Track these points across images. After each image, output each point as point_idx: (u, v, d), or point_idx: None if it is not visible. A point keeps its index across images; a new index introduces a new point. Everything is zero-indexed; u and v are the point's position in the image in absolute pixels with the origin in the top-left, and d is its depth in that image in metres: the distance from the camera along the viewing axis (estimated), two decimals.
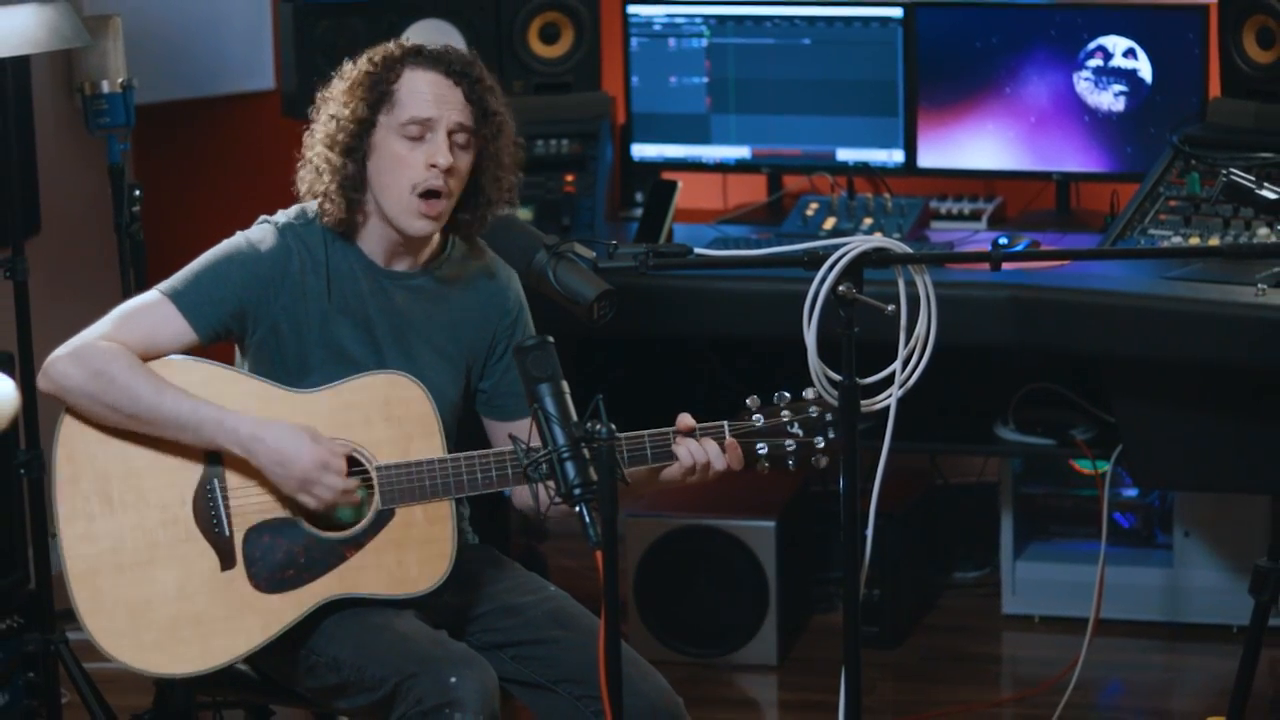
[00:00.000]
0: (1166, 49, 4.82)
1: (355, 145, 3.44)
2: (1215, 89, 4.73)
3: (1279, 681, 4.84)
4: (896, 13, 4.98)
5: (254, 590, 3.38)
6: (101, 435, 3.40)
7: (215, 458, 3.41)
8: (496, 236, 3.40)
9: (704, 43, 5.12)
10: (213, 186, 5.79)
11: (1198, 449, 4.44)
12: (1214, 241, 4.43)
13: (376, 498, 3.40)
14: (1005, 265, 3.37)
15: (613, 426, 2.96)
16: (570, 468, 2.98)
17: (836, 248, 3.15)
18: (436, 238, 3.56)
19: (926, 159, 5.03)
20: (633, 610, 5.00)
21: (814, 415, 3.43)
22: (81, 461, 3.39)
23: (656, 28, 5.14)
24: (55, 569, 3.89)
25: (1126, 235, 4.55)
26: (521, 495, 3.48)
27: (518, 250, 3.32)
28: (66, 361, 3.37)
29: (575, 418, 3.00)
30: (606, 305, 3.23)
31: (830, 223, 4.88)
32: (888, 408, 3.18)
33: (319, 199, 3.48)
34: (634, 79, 5.17)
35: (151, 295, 3.45)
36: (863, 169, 5.06)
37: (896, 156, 5.04)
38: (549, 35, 5.10)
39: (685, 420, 3.43)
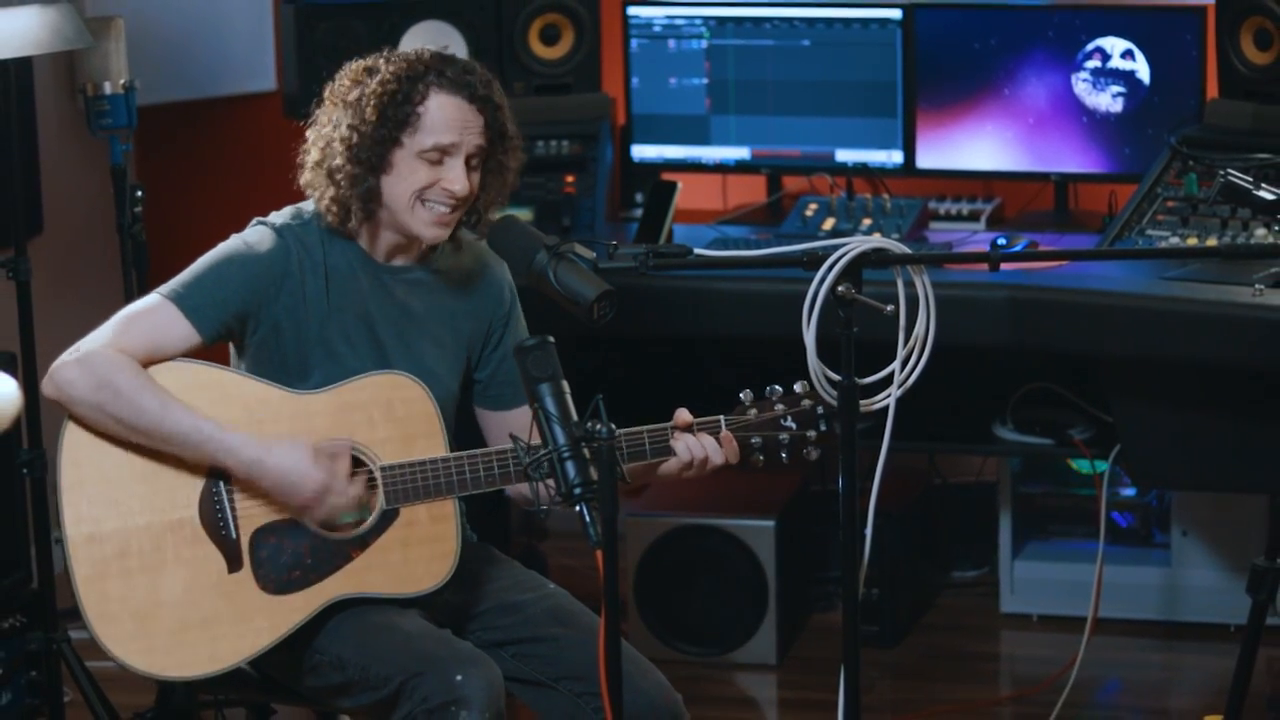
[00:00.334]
0: (1164, 50, 4.83)
1: (376, 162, 3.44)
2: (1213, 90, 4.74)
3: (1276, 680, 4.84)
4: (895, 14, 4.99)
5: (261, 592, 3.39)
6: (107, 440, 3.39)
7: None
8: (497, 237, 3.41)
9: (704, 44, 5.13)
10: (214, 187, 5.80)
11: (1195, 449, 4.45)
12: (1211, 242, 4.44)
13: (381, 498, 3.42)
14: (1004, 266, 3.37)
15: (613, 426, 2.97)
16: (570, 467, 2.99)
17: (836, 248, 3.15)
18: None
19: (925, 160, 5.04)
20: (633, 609, 5.01)
21: (806, 408, 3.46)
22: (87, 467, 3.39)
23: (656, 29, 5.15)
24: (58, 568, 3.90)
25: (1124, 236, 4.56)
26: (518, 488, 3.49)
27: (518, 251, 3.32)
28: (73, 369, 3.36)
29: (575, 417, 3.01)
30: (607, 305, 3.24)
31: (829, 223, 4.89)
32: (887, 407, 3.19)
33: (326, 203, 3.48)
34: (634, 80, 5.18)
35: (153, 299, 3.44)
36: (862, 170, 5.07)
37: (895, 157, 5.05)
38: (549, 36, 5.11)
39: (683, 415, 3.45)
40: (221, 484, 3.41)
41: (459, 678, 3.27)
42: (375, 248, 3.53)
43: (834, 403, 3.19)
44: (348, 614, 3.42)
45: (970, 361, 4.59)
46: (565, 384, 3.04)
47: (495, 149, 3.48)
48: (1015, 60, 4.94)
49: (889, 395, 3.20)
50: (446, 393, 3.52)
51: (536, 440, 3.03)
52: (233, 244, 3.50)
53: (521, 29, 5.08)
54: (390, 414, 3.43)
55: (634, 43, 5.16)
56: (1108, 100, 4.89)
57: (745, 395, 3.47)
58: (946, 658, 5.07)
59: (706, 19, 5.12)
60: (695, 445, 3.43)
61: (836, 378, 3.18)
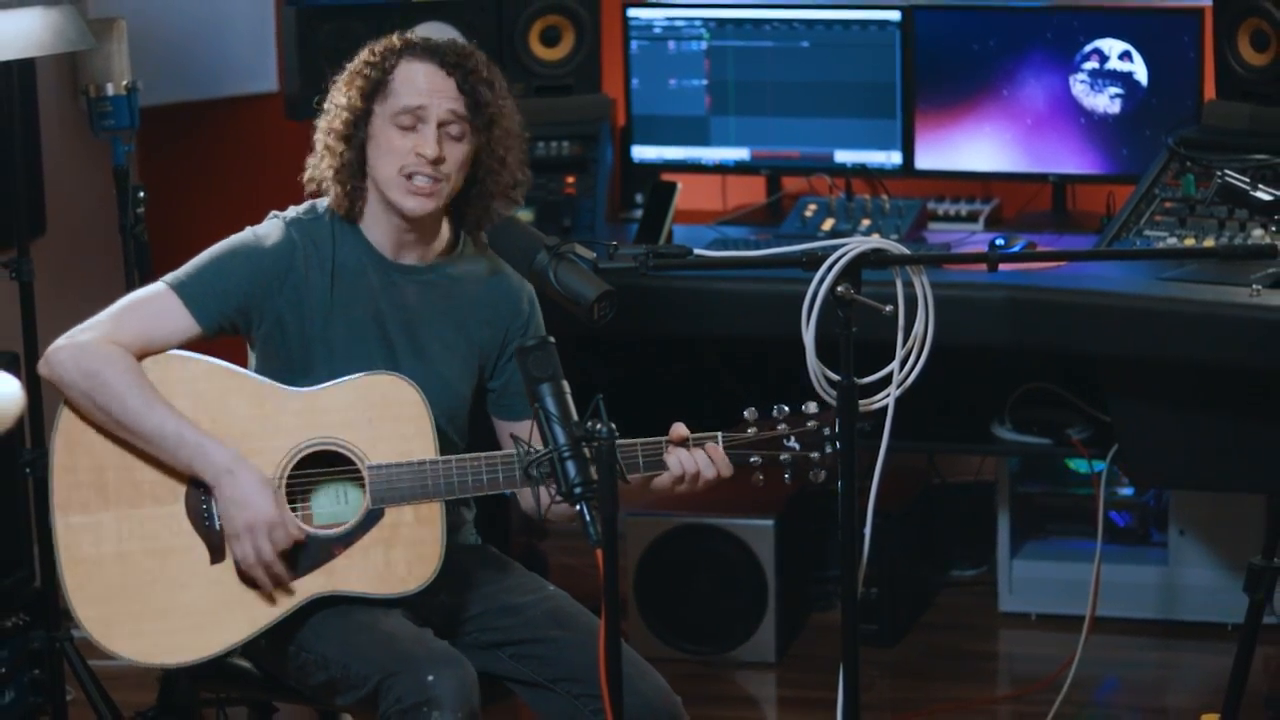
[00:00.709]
0: (1162, 52, 4.84)
1: (353, 133, 3.48)
2: (1210, 91, 4.74)
3: (1273, 679, 4.85)
4: (894, 15, 5.00)
5: (242, 584, 3.41)
6: (98, 427, 3.42)
7: None
8: (498, 237, 3.42)
9: (703, 45, 5.14)
10: (216, 188, 5.81)
11: (1193, 448, 4.46)
12: (1209, 242, 4.45)
13: (367, 497, 3.42)
14: (1002, 266, 3.38)
15: (613, 426, 2.97)
16: (571, 467, 2.99)
17: (835, 249, 3.16)
18: (447, 233, 3.59)
19: (924, 161, 5.05)
20: (633, 608, 5.02)
21: (811, 429, 3.45)
22: (79, 450, 3.42)
23: (656, 30, 5.16)
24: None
25: (1122, 236, 4.57)
26: (526, 497, 3.48)
27: (519, 251, 3.33)
28: (67, 353, 3.41)
29: (576, 417, 3.02)
30: (607, 306, 3.25)
31: (829, 224, 4.90)
32: (886, 407, 3.20)
33: (327, 184, 3.51)
34: (634, 81, 5.20)
35: (157, 286, 3.49)
36: (861, 170, 5.08)
37: (894, 158, 5.07)
38: (550, 38, 5.12)
39: (679, 430, 3.44)
40: None
41: (430, 678, 3.27)
42: (384, 242, 3.54)
43: (833, 403, 3.20)
44: (332, 612, 3.42)
45: (969, 361, 4.59)
46: (565, 384, 3.05)
47: (473, 117, 3.48)
48: (1014, 61, 4.95)
49: (888, 395, 3.21)
50: (454, 397, 3.53)
51: (538, 442, 3.04)
52: (242, 236, 3.53)
53: (522, 30, 5.09)
54: (382, 414, 3.43)
55: (634, 44, 5.18)
56: (1106, 101, 4.91)
57: (750, 413, 3.44)
58: (945, 656, 5.08)
59: (706, 20, 5.13)
60: (688, 460, 3.42)
61: (836, 378, 3.18)
